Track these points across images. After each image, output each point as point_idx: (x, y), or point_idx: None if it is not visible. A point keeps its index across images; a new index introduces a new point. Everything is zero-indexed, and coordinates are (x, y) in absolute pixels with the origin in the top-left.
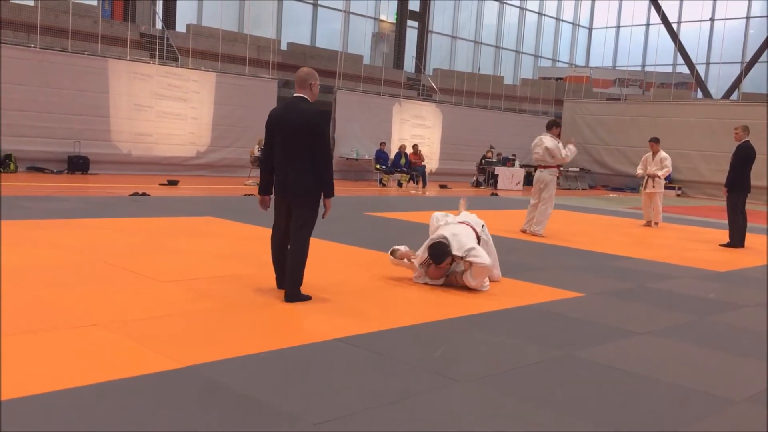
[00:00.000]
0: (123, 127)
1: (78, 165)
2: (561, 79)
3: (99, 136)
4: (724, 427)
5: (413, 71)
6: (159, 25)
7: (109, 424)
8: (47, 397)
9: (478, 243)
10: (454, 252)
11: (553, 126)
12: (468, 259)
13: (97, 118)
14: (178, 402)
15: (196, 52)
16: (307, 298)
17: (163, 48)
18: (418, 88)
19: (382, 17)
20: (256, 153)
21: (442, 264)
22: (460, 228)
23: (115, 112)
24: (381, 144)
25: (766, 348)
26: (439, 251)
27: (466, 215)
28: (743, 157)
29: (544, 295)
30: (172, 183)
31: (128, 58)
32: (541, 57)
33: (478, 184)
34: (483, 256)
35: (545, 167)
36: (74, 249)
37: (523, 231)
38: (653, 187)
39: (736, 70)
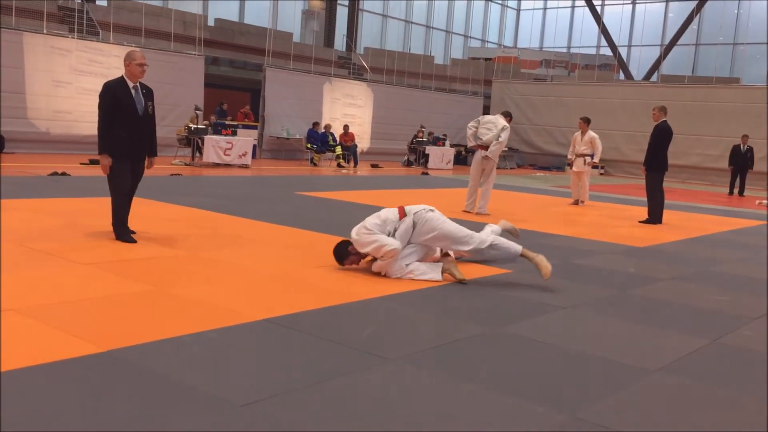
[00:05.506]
0: (40, 104)
1: None
2: (490, 59)
3: (14, 113)
4: (643, 395)
5: (344, 50)
6: None
7: (29, 410)
8: None
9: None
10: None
11: (508, 116)
12: (352, 236)
13: (12, 95)
14: (100, 387)
15: (118, 27)
16: (125, 239)
17: (83, 22)
18: (348, 67)
19: None
20: (184, 132)
21: (344, 264)
22: (377, 213)
23: (31, 89)
24: (314, 124)
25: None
26: (337, 253)
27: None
28: (661, 136)
29: (471, 272)
30: (94, 162)
31: (45, 31)
32: (470, 37)
33: (409, 164)
34: (362, 235)
35: (487, 148)
36: None
37: (466, 212)
38: (583, 165)
39: (656, 52)
